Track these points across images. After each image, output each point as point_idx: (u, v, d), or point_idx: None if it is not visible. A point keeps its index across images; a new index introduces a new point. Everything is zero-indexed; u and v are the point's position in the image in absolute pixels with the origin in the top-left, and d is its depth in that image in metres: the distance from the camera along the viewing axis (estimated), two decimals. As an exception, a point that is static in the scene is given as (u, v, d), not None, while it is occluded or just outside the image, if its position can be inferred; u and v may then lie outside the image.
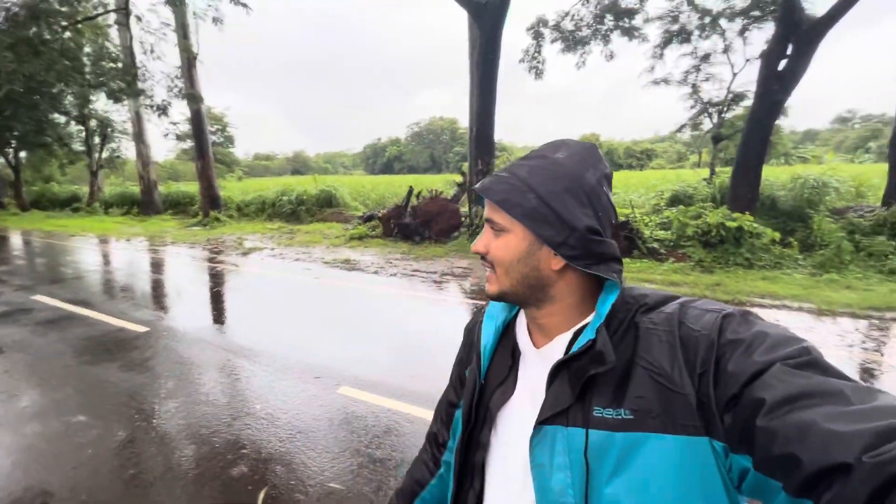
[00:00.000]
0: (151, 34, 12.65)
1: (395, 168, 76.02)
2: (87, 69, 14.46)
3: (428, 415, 2.98)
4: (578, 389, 0.56)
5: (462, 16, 9.81)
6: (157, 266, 8.71)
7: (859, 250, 7.04)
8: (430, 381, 3.51)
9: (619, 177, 20.05)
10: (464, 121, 10.53)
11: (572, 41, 11.84)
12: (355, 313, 5.55)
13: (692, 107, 13.39)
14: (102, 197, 20.69)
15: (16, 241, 12.54)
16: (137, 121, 18.04)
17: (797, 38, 7.70)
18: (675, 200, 10.88)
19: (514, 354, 0.69)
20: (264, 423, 2.91)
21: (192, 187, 19.11)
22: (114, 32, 15.86)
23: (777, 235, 7.39)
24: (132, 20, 11.97)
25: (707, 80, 12.71)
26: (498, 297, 0.66)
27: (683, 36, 12.04)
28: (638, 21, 11.68)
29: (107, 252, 10.51)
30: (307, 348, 4.21)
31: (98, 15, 12.60)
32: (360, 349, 4.22)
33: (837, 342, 4.24)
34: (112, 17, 13.48)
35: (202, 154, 15.52)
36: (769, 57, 8.03)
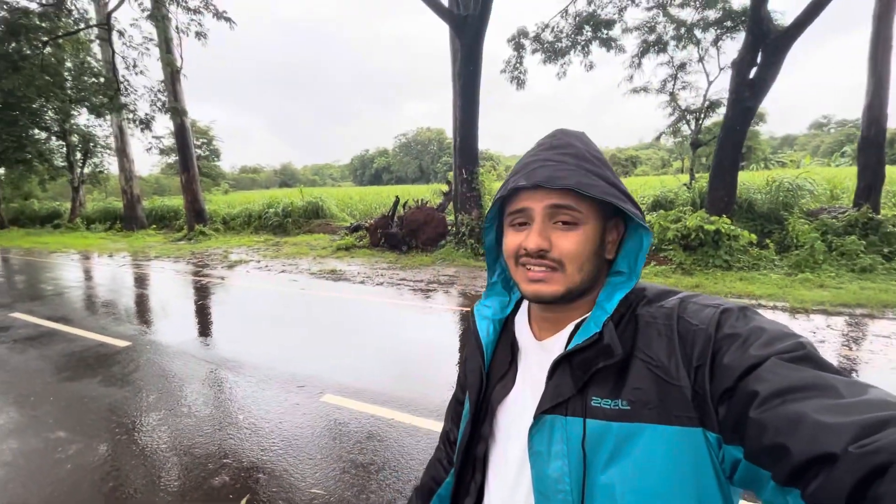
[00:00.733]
0: (134, 49, 12.64)
1: (384, 179, 76.27)
2: (69, 84, 14.37)
3: (411, 420, 3.02)
4: (582, 382, 0.58)
5: (445, 26, 9.97)
6: (140, 281, 8.61)
7: (832, 250, 7.26)
8: (415, 387, 3.54)
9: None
10: (451, 131, 10.63)
11: (553, 52, 12.11)
12: (341, 323, 5.56)
13: (671, 114, 13.79)
14: (85, 213, 20.41)
15: (-6, 258, 12.29)
16: (120, 135, 17.94)
17: (766, 47, 7.99)
18: (656, 205, 11.14)
19: (513, 349, 0.71)
20: (247, 432, 2.92)
21: (177, 201, 18.95)
22: (97, 47, 15.80)
23: (754, 237, 7.58)
24: (114, 35, 11.95)
25: (684, 87, 13.13)
26: (562, 297, 0.61)
27: (660, 46, 12.41)
28: (616, 32, 12.02)
29: (88, 268, 10.35)
30: (292, 358, 4.21)
31: (79, 30, 12.54)
32: (346, 358, 4.23)
33: (811, 338, 4.35)
34: (94, 31, 13.42)
35: (187, 167, 15.43)
36: (740, 65, 8.31)
